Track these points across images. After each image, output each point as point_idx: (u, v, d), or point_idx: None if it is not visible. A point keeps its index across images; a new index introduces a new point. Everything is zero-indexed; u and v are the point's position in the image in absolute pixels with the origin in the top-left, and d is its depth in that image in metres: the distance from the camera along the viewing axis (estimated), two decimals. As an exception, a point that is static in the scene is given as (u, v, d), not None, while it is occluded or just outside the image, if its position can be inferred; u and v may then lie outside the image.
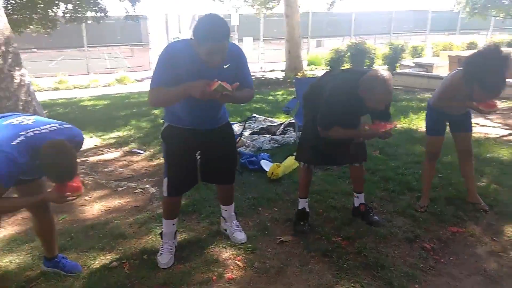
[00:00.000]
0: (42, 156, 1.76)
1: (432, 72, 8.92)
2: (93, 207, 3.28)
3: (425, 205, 2.92)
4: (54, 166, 1.78)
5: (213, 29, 1.92)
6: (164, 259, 2.37)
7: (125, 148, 4.86)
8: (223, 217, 2.68)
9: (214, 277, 2.23)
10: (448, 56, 8.47)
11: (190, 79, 1.99)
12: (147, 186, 3.67)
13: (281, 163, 3.76)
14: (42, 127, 1.87)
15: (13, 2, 7.10)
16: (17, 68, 3.48)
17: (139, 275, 2.27)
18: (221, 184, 2.59)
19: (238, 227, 2.65)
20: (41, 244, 2.34)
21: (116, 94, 9.82)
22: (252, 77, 2.39)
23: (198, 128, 2.26)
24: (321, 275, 2.22)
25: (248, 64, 2.28)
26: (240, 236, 2.59)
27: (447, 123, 2.90)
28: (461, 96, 2.56)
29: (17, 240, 2.70)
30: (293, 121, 5.00)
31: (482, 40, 17.69)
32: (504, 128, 5.20)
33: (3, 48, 3.37)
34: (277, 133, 5.06)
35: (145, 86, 11.82)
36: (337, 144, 2.53)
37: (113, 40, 17.08)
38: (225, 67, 2.10)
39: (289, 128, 5.18)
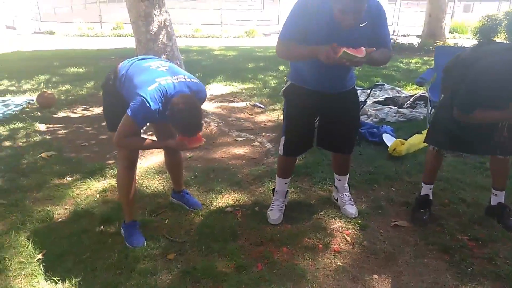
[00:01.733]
0: (172, 109, 1.86)
1: None
2: (216, 152, 3.52)
3: None
4: (182, 121, 1.88)
5: None
6: (274, 215, 2.43)
7: (248, 101, 5.04)
8: (335, 186, 2.61)
9: (320, 246, 2.21)
10: None
11: (320, 35, 1.91)
12: (265, 140, 3.77)
13: (405, 139, 3.45)
14: (173, 77, 1.98)
15: None
16: (162, 13, 3.78)
17: (249, 225, 2.38)
18: (337, 152, 2.49)
19: (350, 199, 2.56)
20: (171, 177, 2.62)
21: (244, 46, 10.14)
22: None
23: (322, 91, 2.17)
24: (438, 273, 2.01)
25: (387, 24, 2.05)
26: (351, 209, 2.50)
27: None
28: None
29: (153, 169, 3.08)
30: (425, 94, 4.49)
31: None
32: None
33: None
34: (405, 106, 4.64)
35: (272, 41, 11.97)
36: (479, 129, 2.16)
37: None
38: (361, 25, 1.92)
39: (419, 102, 4.69)
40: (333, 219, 2.45)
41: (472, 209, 2.56)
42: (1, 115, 4.43)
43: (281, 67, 6.88)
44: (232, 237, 2.26)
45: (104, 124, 3.99)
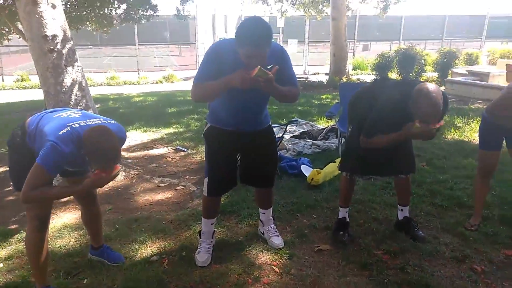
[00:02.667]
0: (86, 139, 1.78)
1: (487, 82, 8.40)
2: (137, 201, 3.40)
3: (476, 224, 2.74)
4: (98, 148, 1.78)
5: (253, 34, 1.88)
6: (202, 257, 2.40)
7: (170, 145, 5.00)
8: (261, 220, 2.68)
9: (250, 280, 2.22)
10: (506, 65, 7.92)
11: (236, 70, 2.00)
12: (189, 183, 3.75)
13: (321, 169, 3.70)
14: (88, 120, 1.93)
15: (70, 2, 7.52)
16: (73, 64, 3.68)
17: (176, 271, 2.31)
18: (260, 187, 2.58)
19: (276, 231, 2.64)
20: (88, 233, 2.46)
21: (164, 91, 10.15)
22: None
23: (240, 129, 2.26)
24: (360, 288, 2.15)
25: (292, 65, 2.24)
26: (277, 240, 2.58)
27: (504, 138, 2.70)
28: None
29: (67, 227, 2.86)
30: (335, 126, 4.90)
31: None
32: None
33: (61, 45, 3.57)
34: (319, 138, 4.99)
35: (191, 85, 12.07)
36: (383, 153, 2.43)
37: (162, 39, 17.66)
38: (268, 67, 2.05)
39: (331, 134, 5.09)
40: (261, 253, 2.50)
41: (384, 225, 2.81)
42: None
43: (203, 109, 6.99)
44: (160, 286, 2.17)
45: (6, 185, 3.67)
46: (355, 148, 2.51)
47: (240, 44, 1.93)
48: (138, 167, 4.19)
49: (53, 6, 3.52)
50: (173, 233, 2.78)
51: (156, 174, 4.01)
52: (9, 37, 7.98)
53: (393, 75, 10.20)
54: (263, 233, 2.66)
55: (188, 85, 11.38)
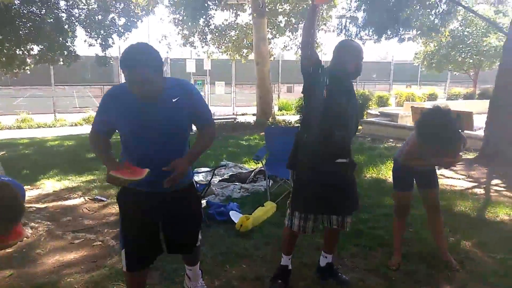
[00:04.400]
0: None
1: (397, 122, 9.28)
2: (46, 262, 2.98)
3: (397, 263, 2.85)
4: None
5: (128, 55, 1.76)
6: None
7: (87, 195, 4.59)
8: (187, 275, 2.47)
9: None
10: (411, 107, 8.87)
11: (128, 124, 1.89)
12: (107, 238, 3.42)
13: (250, 214, 3.64)
14: None
15: None
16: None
17: None
18: (186, 254, 2.30)
19: (203, 286, 2.47)
20: None
21: (83, 134, 9.51)
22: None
23: (156, 190, 1.94)
24: None
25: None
26: None
27: (414, 178, 2.91)
28: (425, 153, 2.59)
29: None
30: (263, 168, 4.94)
31: (441, 91, 18.91)
32: (468, 180, 5.36)
33: None
34: (248, 181, 4.97)
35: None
36: (334, 190, 2.38)
37: (83, 79, 16.86)
38: (174, 100, 1.91)
39: (259, 176, 5.10)
40: (187, 314, 2.30)
41: (313, 270, 2.78)
42: None
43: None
44: None
45: None
46: (307, 183, 2.41)
47: (121, 69, 1.82)
48: (49, 222, 3.73)
49: None
50: (86, 299, 2.46)
51: (70, 229, 3.60)
52: None
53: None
54: None
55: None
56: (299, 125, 2.56)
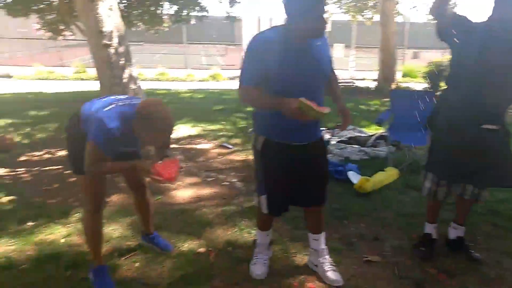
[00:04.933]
0: (139, 109, 1.79)
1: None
2: (184, 193, 3.48)
3: None
4: (152, 117, 1.77)
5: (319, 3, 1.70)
6: (258, 269, 2.27)
7: (216, 141, 5.09)
8: (313, 249, 2.34)
9: (296, 283, 2.21)
10: None
11: (286, 71, 1.79)
12: (234, 180, 3.79)
13: (370, 177, 3.60)
14: (131, 101, 1.97)
15: (125, 1, 7.89)
16: (126, 59, 3.88)
17: (222, 266, 2.34)
18: (312, 205, 2.24)
19: (332, 264, 2.29)
20: (140, 219, 2.55)
21: (210, 89, 10.35)
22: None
23: (300, 142, 2.00)
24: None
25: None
26: (335, 276, 2.22)
27: None
28: None
29: (120, 213, 2.98)
30: (384, 133, 4.76)
31: None
32: None
33: (116, 40, 3.77)
34: (367, 144, 4.86)
35: (236, 84, 12.28)
36: (476, 158, 2.17)
37: (209, 39, 18.04)
38: (318, 44, 1.86)
39: (380, 141, 4.94)
40: (307, 256, 2.45)
41: (439, 242, 2.66)
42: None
43: (250, 108, 7.04)
44: (207, 278, 2.21)
45: (68, 167, 3.88)
46: (444, 147, 2.28)
47: (302, 16, 1.70)
48: (186, 160, 4.29)
49: (109, 5, 3.73)
50: (219, 227, 2.82)
51: (203, 169, 4.09)
52: (63, 34, 8.51)
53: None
54: (316, 266, 2.30)
55: (233, 84, 11.50)
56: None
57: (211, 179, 3.82)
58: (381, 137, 4.95)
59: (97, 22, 3.65)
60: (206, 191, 3.54)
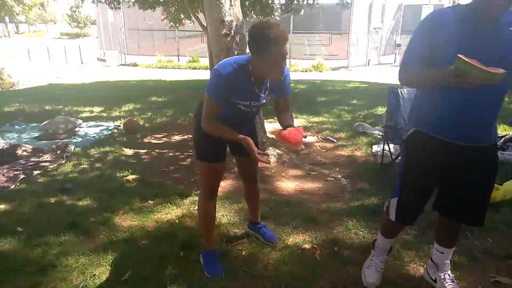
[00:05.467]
0: (251, 30, 1.74)
1: None
2: (289, 185, 3.48)
3: None
4: (266, 34, 1.67)
5: None
6: (371, 276, 2.07)
7: (320, 134, 4.98)
8: (434, 262, 2.08)
9: (409, 295, 2.03)
10: None
11: (462, 45, 1.50)
12: (339, 176, 3.66)
13: (500, 184, 3.13)
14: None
15: None
16: (242, 48, 3.98)
17: (329, 266, 2.27)
18: (467, 223, 1.93)
19: (453, 282, 2.02)
20: (248, 208, 2.61)
21: (313, 80, 10.21)
22: None
23: (460, 142, 1.64)
24: None
25: None
26: None
27: None
28: None
29: (229, 199, 3.11)
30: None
31: None
32: None
33: (234, 30, 3.90)
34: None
35: (340, 75, 11.96)
36: None
37: (313, 27, 17.75)
38: (506, 24, 1.52)
39: (511, 144, 4.27)
40: (422, 267, 2.24)
41: None
42: (96, 135, 4.99)
43: (354, 101, 6.75)
44: (313, 277, 2.16)
45: (184, 150, 4.22)
46: None
47: None
48: (290, 152, 4.29)
49: None
50: (325, 224, 2.74)
51: (306, 162, 4.04)
52: (183, 23, 9.24)
53: None
54: (435, 280, 2.06)
55: (338, 75, 11.16)
56: None
57: (314, 173, 3.75)
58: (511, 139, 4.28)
59: (219, 12, 3.84)
60: (310, 185, 3.49)
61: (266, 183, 3.46)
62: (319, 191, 3.36)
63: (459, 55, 1.37)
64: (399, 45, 15.52)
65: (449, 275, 2.04)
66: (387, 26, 16.22)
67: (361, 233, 2.61)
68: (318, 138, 4.85)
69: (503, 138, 4.39)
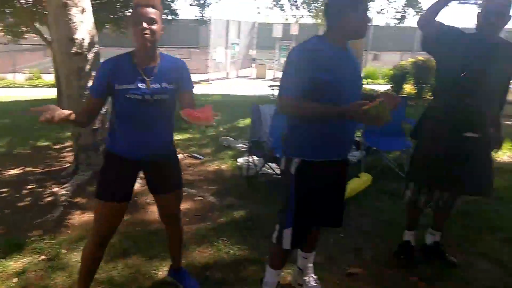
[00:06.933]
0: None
1: None
2: (155, 211, 3.25)
3: None
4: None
5: None
6: None
7: (185, 152, 4.90)
8: (299, 267, 2.21)
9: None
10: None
11: (335, 79, 1.67)
12: (207, 194, 3.63)
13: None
14: None
15: (94, 2, 7.51)
16: (95, 67, 3.61)
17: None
18: (333, 226, 2.05)
19: (316, 282, 2.17)
20: (169, 252, 2.27)
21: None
22: None
23: (337, 158, 1.83)
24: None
25: None
26: None
27: None
28: None
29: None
30: (357, 139, 4.76)
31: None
32: None
33: (87, 48, 3.50)
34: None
35: (201, 89, 12.06)
36: (457, 163, 2.16)
37: (172, 42, 17.61)
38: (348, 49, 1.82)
39: (352, 146, 4.94)
40: (289, 275, 2.35)
41: (416, 249, 2.65)
42: None
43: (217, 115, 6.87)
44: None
45: (21, 189, 3.55)
46: (426, 155, 2.28)
47: (354, 5, 1.67)
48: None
49: (83, 10, 3.46)
50: (195, 248, 2.66)
51: (173, 183, 3.89)
52: (24, 36, 8.02)
53: (408, 86, 10.06)
54: (301, 285, 2.19)
55: (200, 90, 11.24)
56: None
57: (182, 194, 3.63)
58: (353, 142, 4.95)
59: (68, 28, 3.36)
60: (178, 207, 3.36)
61: (128, 212, 3.17)
62: (188, 213, 3.26)
63: (379, 99, 1.50)
64: (254, 59, 16.68)
65: (313, 277, 2.19)
66: (243, 41, 17.25)
67: (232, 251, 2.62)
68: (184, 156, 4.76)
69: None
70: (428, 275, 2.38)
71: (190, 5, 8.94)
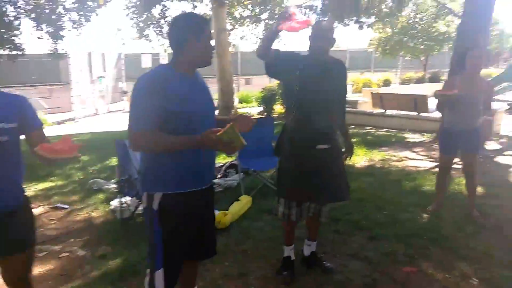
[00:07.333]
0: None
1: (357, 108, 9.52)
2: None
3: (436, 210, 3.55)
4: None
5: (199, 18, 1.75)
6: None
7: (47, 204, 4.26)
8: None
9: None
10: (371, 93, 9.13)
11: (187, 107, 1.65)
12: (75, 247, 3.19)
13: (227, 209, 3.55)
14: None
15: None
16: None
17: None
18: (206, 257, 2.06)
19: None
20: None
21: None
22: None
23: (198, 187, 1.78)
24: None
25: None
26: None
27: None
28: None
29: None
30: (234, 162, 4.85)
31: (394, 76, 19.69)
32: (429, 161, 5.60)
33: None
34: (218, 175, 4.86)
35: (66, 129, 10.92)
36: (318, 175, 2.32)
37: (28, 79, 15.75)
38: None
39: (230, 170, 5.00)
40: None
41: (296, 262, 2.74)
42: None
43: (85, 157, 6.23)
44: None
45: None
46: (288, 171, 2.40)
47: (200, 29, 1.69)
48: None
49: None
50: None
51: (32, 242, 3.31)
52: None
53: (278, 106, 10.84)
54: None
55: (62, 130, 10.18)
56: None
57: (43, 253, 3.11)
58: (231, 166, 5.02)
59: None
60: (37, 271, 2.84)
61: None
62: (51, 274, 2.79)
63: (229, 125, 1.50)
64: (125, 92, 15.90)
65: None
66: (110, 74, 16.32)
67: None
68: (45, 209, 4.13)
69: (224, 166, 5.09)
70: (309, 285, 2.49)
71: (39, 38, 8.07)
